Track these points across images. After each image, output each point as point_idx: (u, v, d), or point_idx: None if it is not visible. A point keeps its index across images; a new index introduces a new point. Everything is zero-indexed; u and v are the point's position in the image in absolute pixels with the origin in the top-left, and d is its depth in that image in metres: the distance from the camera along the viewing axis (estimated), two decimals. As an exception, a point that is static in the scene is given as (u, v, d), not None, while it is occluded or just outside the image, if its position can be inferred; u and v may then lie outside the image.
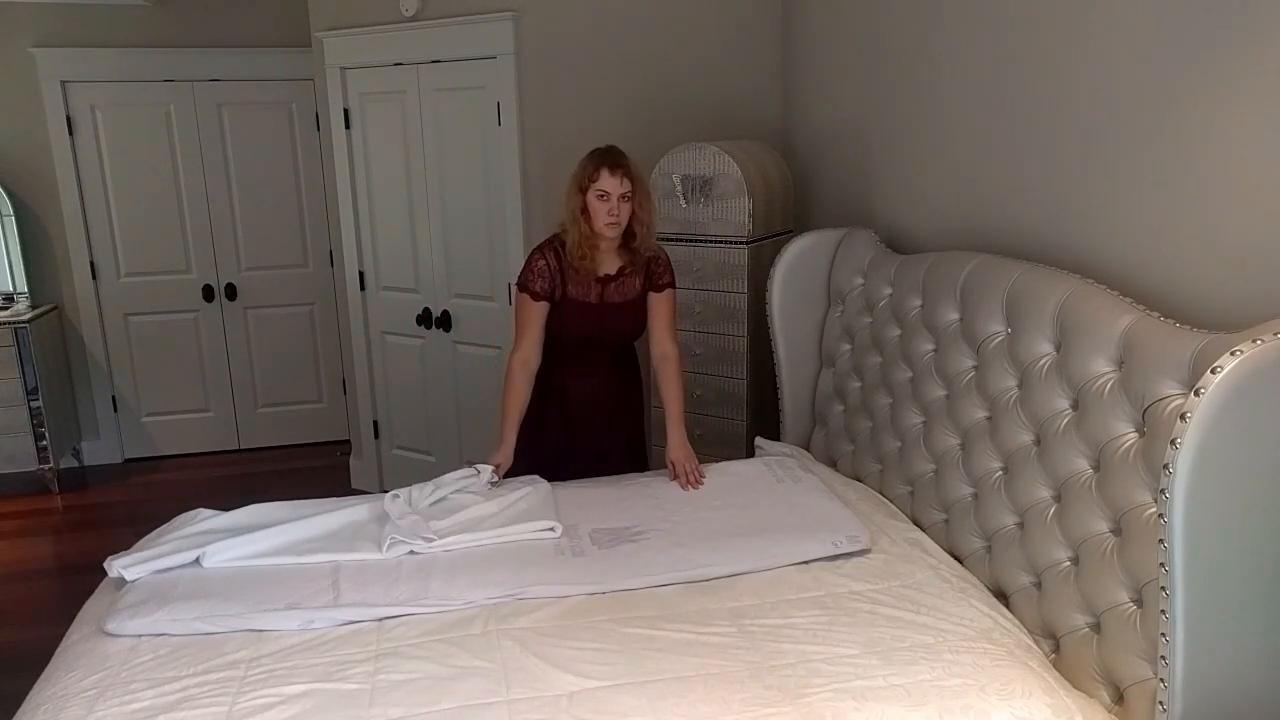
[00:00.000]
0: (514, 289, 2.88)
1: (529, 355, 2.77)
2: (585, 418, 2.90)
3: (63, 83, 4.80)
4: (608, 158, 2.67)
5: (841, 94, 3.44)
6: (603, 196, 2.65)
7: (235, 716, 1.74)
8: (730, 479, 2.74)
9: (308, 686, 1.82)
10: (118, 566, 2.27)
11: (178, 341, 5.24)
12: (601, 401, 2.91)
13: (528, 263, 2.78)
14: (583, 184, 2.68)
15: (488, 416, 3.93)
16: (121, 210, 5.02)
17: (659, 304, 2.84)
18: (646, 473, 2.83)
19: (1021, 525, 2.14)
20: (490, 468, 2.66)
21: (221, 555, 2.28)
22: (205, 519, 2.49)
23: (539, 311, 2.77)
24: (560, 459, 2.86)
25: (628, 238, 2.75)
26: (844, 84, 3.41)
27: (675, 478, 2.72)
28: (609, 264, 2.79)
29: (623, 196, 2.66)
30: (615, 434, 2.95)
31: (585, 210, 2.68)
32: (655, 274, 2.83)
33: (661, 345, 2.86)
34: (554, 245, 2.78)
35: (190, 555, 2.28)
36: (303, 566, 2.27)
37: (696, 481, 2.70)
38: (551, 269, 2.75)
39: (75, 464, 5.18)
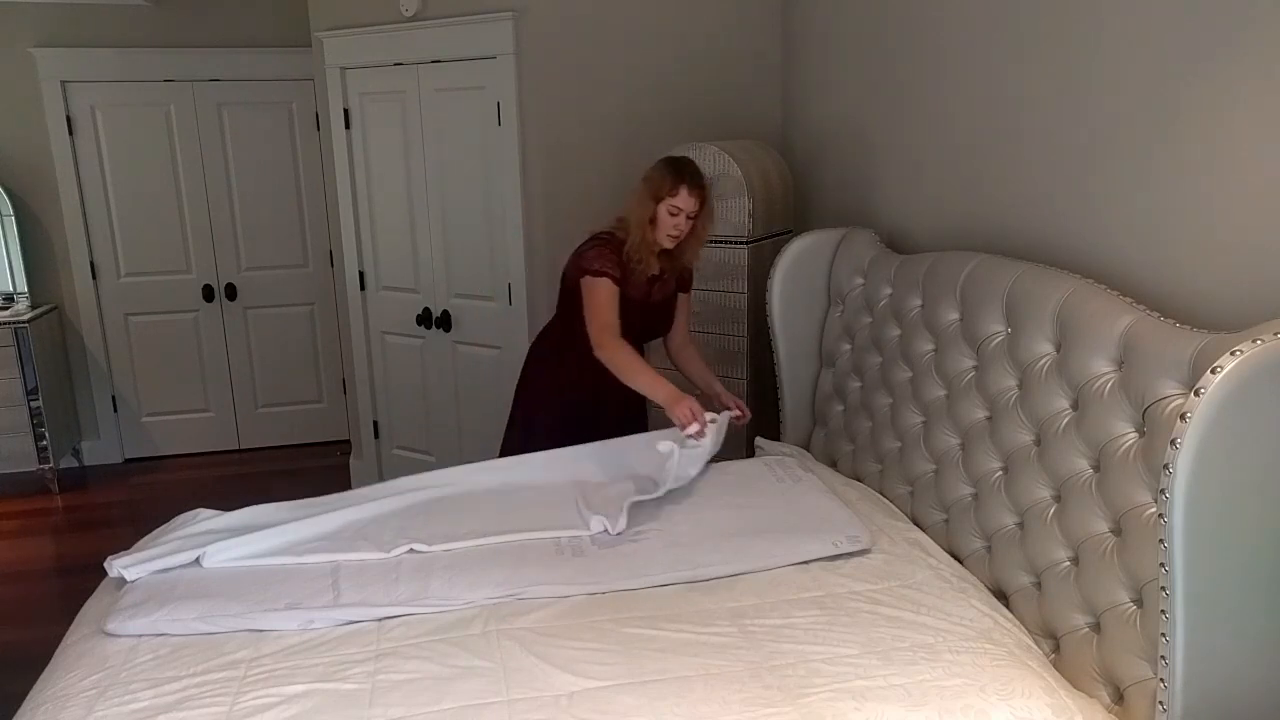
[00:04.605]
0: (584, 280, 2.73)
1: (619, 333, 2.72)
2: (615, 417, 2.91)
3: (63, 83, 4.80)
4: (691, 175, 2.69)
5: (841, 94, 3.44)
6: (675, 212, 2.68)
7: (235, 716, 1.74)
8: (730, 479, 2.73)
9: (308, 686, 1.82)
10: (118, 566, 2.27)
11: (178, 341, 5.24)
12: (626, 400, 2.88)
13: (596, 252, 2.73)
14: (658, 194, 2.69)
15: (488, 417, 3.93)
16: (121, 210, 5.02)
17: (685, 302, 3.01)
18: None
19: (1021, 525, 2.14)
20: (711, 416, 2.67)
21: (221, 555, 2.28)
22: (205, 519, 2.49)
23: (617, 296, 2.72)
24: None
25: (676, 249, 2.78)
26: (844, 83, 3.41)
27: (733, 410, 2.87)
28: (655, 265, 2.81)
29: (690, 215, 2.70)
30: (630, 431, 2.93)
31: (654, 219, 2.70)
32: (685, 275, 2.95)
33: (683, 335, 3.04)
34: (612, 241, 2.75)
35: (190, 555, 2.28)
36: (303, 566, 2.27)
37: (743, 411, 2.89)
38: (619, 262, 2.73)
39: (75, 464, 5.18)
